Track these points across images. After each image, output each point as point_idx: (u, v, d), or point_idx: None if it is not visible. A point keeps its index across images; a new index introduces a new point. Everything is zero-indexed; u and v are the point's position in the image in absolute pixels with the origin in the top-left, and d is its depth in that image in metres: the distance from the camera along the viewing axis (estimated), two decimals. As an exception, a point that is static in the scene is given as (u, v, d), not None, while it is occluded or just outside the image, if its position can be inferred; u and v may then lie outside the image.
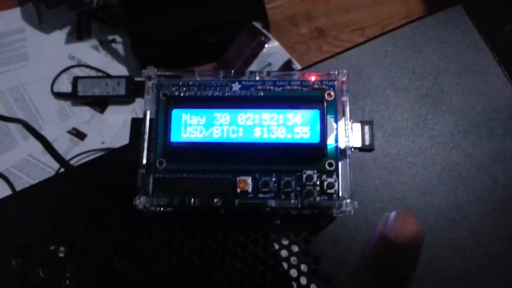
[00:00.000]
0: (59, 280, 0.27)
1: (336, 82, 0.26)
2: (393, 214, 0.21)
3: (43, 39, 0.69)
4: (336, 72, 0.26)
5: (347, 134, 0.26)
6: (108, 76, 0.67)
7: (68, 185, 0.28)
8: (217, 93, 0.26)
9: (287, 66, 0.65)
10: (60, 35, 0.68)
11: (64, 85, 0.67)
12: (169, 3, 0.63)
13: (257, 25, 0.64)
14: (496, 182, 0.28)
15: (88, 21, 0.68)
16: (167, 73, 0.27)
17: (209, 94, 0.26)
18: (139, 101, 0.67)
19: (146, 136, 0.26)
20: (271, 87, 0.26)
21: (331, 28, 0.67)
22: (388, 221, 0.21)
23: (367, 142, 0.26)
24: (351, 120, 0.26)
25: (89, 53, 0.68)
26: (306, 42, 0.67)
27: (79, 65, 0.68)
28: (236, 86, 0.26)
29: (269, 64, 0.64)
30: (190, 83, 0.26)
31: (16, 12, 0.68)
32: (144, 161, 0.26)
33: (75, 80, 0.65)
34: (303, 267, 0.28)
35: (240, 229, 0.28)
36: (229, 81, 0.26)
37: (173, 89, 0.26)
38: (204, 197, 0.25)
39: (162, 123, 0.25)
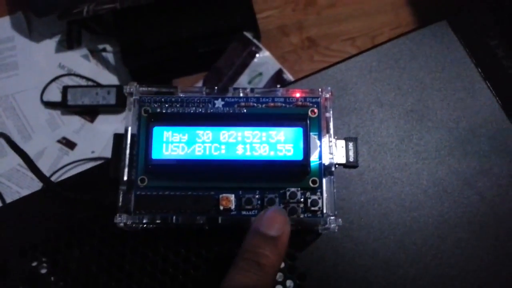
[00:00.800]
0: (40, 298, 0.27)
1: (319, 99, 0.26)
2: (267, 210, 0.24)
3: (33, 48, 0.68)
4: (319, 89, 0.26)
5: (331, 150, 0.26)
6: (98, 85, 0.67)
7: (48, 202, 0.28)
8: (200, 110, 0.26)
9: (278, 75, 0.65)
10: (50, 44, 0.68)
11: (54, 94, 0.66)
12: (159, 13, 0.63)
13: (248, 35, 0.64)
14: (482, 197, 0.28)
15: (78, 30, 0.68)
16: (149, 89, 0.26)
17: (192, 111, 0.26)
18: (129, 110, 0.66)
19: (128, 152, 0.25)
20: (255, 104, 0.26)
21: (322, 38, 0.68)
22: (262, 216, 0.23)
23: (351, 159, 0.26)
24: (336, 137, 0.26)
25: (79, 62, 0.68)
26: (297, 52, 0.67)
27: (69, 74, 0.67)
28: (219, 103, 0.26)
29: (260, 74, 0.64)
30: (173, 99, 0.26)
31: (5, 20, 0.68)
32: (125, 178, 0.25)
33: (65, 89, 0.65)
34: (289, 283, 0.28)
35: (224, 245, 0.28)
36: (212, 97, 0.26)
37: (155, 105, 0.26)
38: (187, 214, 0.25)
39: (143, 140, 0.25)
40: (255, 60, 0.65)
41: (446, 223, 0.28)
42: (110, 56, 0.68)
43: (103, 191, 0.27)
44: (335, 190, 0.25)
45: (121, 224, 0.25)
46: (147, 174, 0.25)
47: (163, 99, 0.26)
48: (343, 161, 0.26)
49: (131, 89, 0.26)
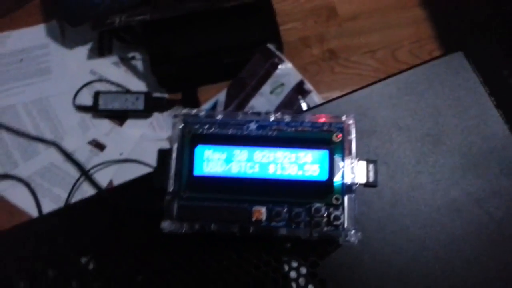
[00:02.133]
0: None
1: (343, 124, 0.29)
2: None
3: (66, 54, 0.73)
4: (344, 116, 0.29)
5: (353, 171, 0.29)
6: (127, 91, 0.71)
7: (99, 207, 0.32)
8: (236, 132, 0.30)
9: (299, 86, 0.68)
10: (82, 51, 0.73)
11: (86, 99, 0.71)
12: (187, 25, 0.67)
13: (271, 46, 0.67)
14: (491, 217, 0.31)
15: (110, 39, 0.72)
16: (192, 112, 0.30)
17: (229, 132, 0.29)
18: (156, 115, 0.70)
19: (173, 167, 0.29)
20: (284, 128, 0.30)
21: (342, 50, 0.70)
22: None
23: (371, 179, 0.29)
24: (357, 158, 0.29)
25: (110, 68, 0.72)
26: (318, 63, 0.70)
27: (100, 80, 0.72)
28: (253, 126, 0.30)
29: (282, 84, 0.67)
30: (212, 121, 0.30)
31: (40, 28, 0.72)
32: (170, 189, 0.29)
33: (96, 95, 0.69)
34: (310, 287, 0.31)
35: (254, 251, 0.32)
36: (246, 120, 0.30)
37: (196, 126, 0.30)
38: (223, 223, 0.29)
39: (187, 157, 0.29)
40: (277, 71, 0.68)
41: (457, 240, 0.31)
42: (139, 64, 0.72)
43: (148, 199, 0.30)
44: (356, 207, 0.29)
45: (166, 230, 0.28)
46: (189, 187, 0.29)
47: (203, 121, 0.30)
48: (364, 181, 0.29)
49: (177, 112, 0.30)
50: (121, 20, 0.65)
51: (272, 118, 0.30)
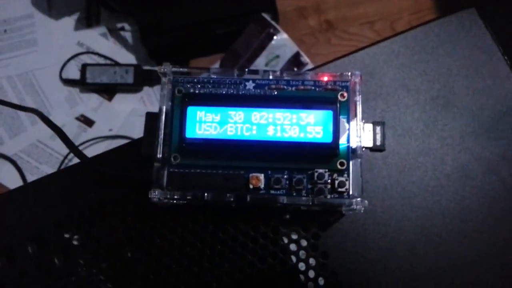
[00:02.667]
0: (74, 267, 0.28)
1: (349, 83, 0.26)
2: None
3: (52, 25, 0.69)
4: (349, 73, 0.26)
5: (359, 134, 0.26)
6: (116, 64, 0.67)
7: (82, 176, 0.29)
8: (231, 91, 0.26)
9: (295, 58, 0.64)
10: (69, 21, 0.68)
11: (73, 72, 0.67)
12: (179, -8, 0.63)
13: (266, 16, 0.64)
14: (504, 183, 0.29)
15: (98, 8, 0.68)
16: (182, 70, 0.27)
17: (224, 92, 0.26)
18: (146, 89, 0.67)
19: (162, 131, 0.26)
20: (285, 87, 0.27)
21: (340, 21, 0.67)
22: None
23: (378, 143, 0.27)
24: (363, 121, 0.27)
25: (98, 40, 0.68)
26: (314, 35, 0.67)
27: (87, 52, 0.68)
28: (250, 85, 0.27)
29: (277, 56, 0.64)
30: (205, 80, 0.27)
31: (25, -3, 0.68)
32: (159, 156, 0.26)
33: (84, 67, 0.66)
34: (312, 261, 0.29)
35: (251, 223, 0.29)
36: (243, 79, 0.27)
37: (188, 85, 0.27)
38: (217, 192, 0.26)
39: (177, 119, 0.26)
40: (273, 42, 0.64)
41: (468, 208, 0.29)
42: (128, 35, 0.68)
43: (135, 167, 0.28)
44: (362, 173, 0.26)
45: (155, 199, 0.26)
46: (180, 152, 0.26)
47: (195, 80, 0.27)
48: (370, 144, 0.27)
49: (165, 69, 0.27)
50: (109, -13, 0.61)
51: (270, 77, 0.27)
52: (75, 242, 0.29)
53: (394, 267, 0.29)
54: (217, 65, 0.65)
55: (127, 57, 0.69)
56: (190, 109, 0.25)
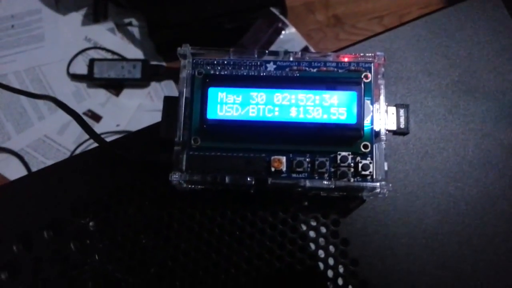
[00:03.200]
0: (90, 253, 0.27)
1: (372, 64, 0.26)
2: None
3: (60, 20, 0.68)
4: (373, 54, 0.26)
5: (382, 116, 0.25)
6: (124, 59, 0.67)
7: (100, 161, 0.28)
8: (252, 73, 0.26)
9: (304, 53, 0.64)
10: (77, 16, 0.68)
11: (80, 67, 0.66)
12: (187, -13, 0.62)
13: (275, 11, 0.63)
14: (527, 170, 0.28)
15: (105, 3, 0.67)
16: (201, 52, 0.26)
17: (245, 73, 0.26)
18: (154, 85, 0.66)
19: (182, 114, 0.25)
20: (307, 68, 0.26)
21: (348, 16, 0.67)
22: None
23: (402, 126, 0.26)
24: (386, 103, 0.26)
25: (105, 35, 0.68)
26: (323, 30, 0.66)
27: (95, 47, 0.67)
28: (271, 66, 0.26)
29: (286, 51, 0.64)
30: (225, 61, 0.26)
31: (33, -8, 0.67)
32: (179, 139, 0.25)
33: (91, 62, 0.65)
34: (331, 248, 0.28)
35: (269, 209, 0.28)
36: (263, 61, 0.26)
37: (208, 67, 0.26)
38: (238, 175, 0.25)
39: (198, 101, 0.25)
40: (281, 37, 0.64)
41: (490, 194, 0.28)
42: (135, 30, 0.68)
43: (155, 151, 0.27)
44: (385, 156, 0.25)
45: (175, 182, 0.25)
46: (200, 134, 0.25)
47: (215, 62, 0.26)
48: (394, 127, 0.26)
49: (184, 51, 0.26)
50: (117, -19, 0.61)
51: (291, 58, 0.26)
52: (91, 228, 0.29)
53: (416, 255, 0.28)
54: None
55: (134, 52, 0.68)
56: (211, 90, 0.25)
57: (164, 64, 0.69)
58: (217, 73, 0.26)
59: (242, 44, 0.64)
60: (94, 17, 0.69)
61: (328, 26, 0.67)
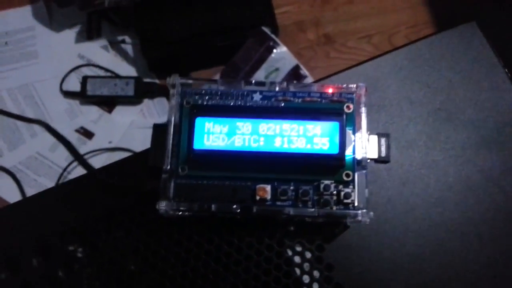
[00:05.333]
0: (78, 279, 0.28)
1: (354, 94, 0.27)
2: None
3: (53, 37, 0.69)
4: (354, 85, 0.27)
5: (364, 145, 0.26)
6: (117, 76, 0.67)
7: (88, 188, 0.29)
8: (239, 102, 0.27)
9: (295, 71, 0.65)
10: (70, 34, 0.69)
11: (73, 84, 0.67)
12: (179, 6, 0.64)
13: (266, 30, 0.65)
14: (506, 195, 0.29)
15: (98, 21, 0.68)
16: (190, 82, 0.27)
17: (231, 103, 0.27)
18: (146, 102, 0.67)
19: (170, 142, 0.26)
20: (291, 98, 0.27)
21: (338, 35, 0.68)
22: None
23: (383, 154, 0.27)
24: (368, 132, 0.27)
25: (99, 53, 0.68)
26: (313, 48, 0.68)
27: (88, 65, 0.68)
28: (257, 96, 0.27)
29: (277, 69, 0.65)
30: (212, 92, 0.27)
31: (27, 10, 0.68)
32: (167, 167, 0.26)
33: (85, 80, 0.66)
34: (316, 273, 0.29)
35: (255, 235, 0.29)
36: (250, 91, 0.27)
37: (196, 97, 0.27)
38: (224, 203, 0.26)
39: (185, 130, 0.26)
40: (272, 55, 0.65)
41: (470, 219, 0.29)
42: (129, 48, 0.69)
43: (142, 179, 0.28)
44: (367, 185, 0.26)
45: (162, 211, 0.26)
46: (188, 163, 0.26)
47: (203, 91, 0.27)
48: (376, 156, 0.27)
49: (173, 81, 0.27)
50: (111, 0, 0.62)
51: (277, 89, 0.27)
52: (79, 255, 0.29)
53: (398, 278, 0.29)
54: (217, 77, 0.65)
55: (127, 70, 0.69)
56: (199, 120, 0.26)
57: (157, 81, 0.69)
58: (205, 103, 0.27)
59: (235, 62, 0.65)
60: (88, 34, 0.70)
61: (318, 44, 0.68)
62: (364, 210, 0.26)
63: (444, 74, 0.30)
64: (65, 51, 0.69)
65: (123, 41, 0.68)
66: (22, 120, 0.65)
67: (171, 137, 0.26)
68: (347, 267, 0.29)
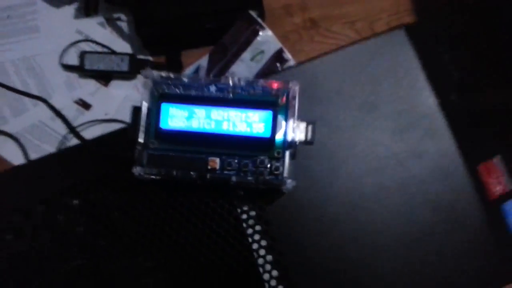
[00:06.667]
0: (75, 225, 0.40)
1: (288, 90, 0.37)
2: None
3: (53, 12, 0.79)
4: (289, 82, 0.37)
5: (294, 131, 0.37)
6: (112, 52, 0.78)
7: (81, 155, 0.41)
8: (198, 93, 0.38)
9: (278, 54, 0.75)
10: (69, 10, 0.79)
11: (72, 58, 0.78)
12: (172, -12, 0.73)
13: (253, 13, 0.74)
14: (410, 173, 0.40)
15: (96, -1, 0.78)
16: (162, 74, 0.38)
17: (192, 94, 0.38)
18: (140, 77, 0.78)
19: (143, 122, 0.38)
20: (239, 91, 0.38)
21: (323, 19, 0.77)
22: None
23: (309, 138, 0.38)
24: (298, 120, 0.38)
25: (96, 29, 0.79)
26: (299, 32, 0.77)
27: (86, 40, 0.79)
28: (212, 88, 0.38)
29: (262, 52, 0.74)
30: (177, 83, 0.38)
31: (29, -14, 0.78)
32: (141, 141, 0.38)
33: (82, 55, 0.76)
34: (258, 227, 0.40)
35: (211, 197, 0.40)
36: (208, 83, 0.38)
37: (164, 86, 0.38)
38: (184, 171, 0.38)
39: (154, 113, 0.37)
40: (258, 38, 0.74)
41: (384, 188, 0.40)
42: (124, 25, 0.79)
43: (124, 149, 0.39)
44: (292, 160, 0.37)
45: (136, 174, 0.37)
46: (156, 138, 0.37)
47: (170, 82, 0.38)
48: (303, 139, 0.38)
49: (147, 74, 0.38)
50: (107, -19, 0.71)
51: (230, 83, 0.38)
52: (75, 206, 0.41)
53: (322, 235, 0.40)
54: (206, 57, 0.75)
55: (123, 46, 0.79)
56: (164, 106, 0.37)
57: (150, 58, 0.80)
58: (171, 92, 0.38)
59: (223, 43, 0.75)
60: (86, 11, 0.80)
61: (304, 28, 0.77)
62: (289, 180, 0.37)
63: (371, 73, 0.41)
64: (64, 26, 0.79)
65: (119, 19, 0.78)
66: (25, 95, 0.76)
67: (145, 117, 0.37)
68: (280, 224, 0.40)
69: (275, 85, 0.38)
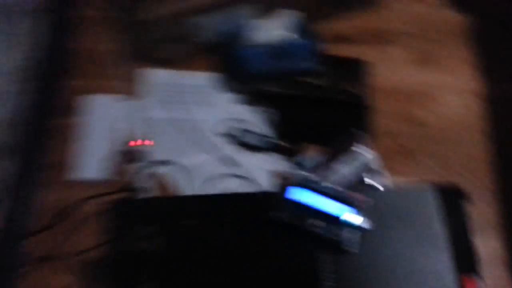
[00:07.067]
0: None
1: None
2: None
3: (222, 97, 1.16)
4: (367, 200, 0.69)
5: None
6: (264, 136, 1.13)
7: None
8: (317, 187, 0.71)
9: (371, 167, 1.02)
10: (234, 98, 1.16)
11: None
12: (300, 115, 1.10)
13: (359, 133, 1.04)
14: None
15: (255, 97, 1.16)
16: (300, 172, 0.73)
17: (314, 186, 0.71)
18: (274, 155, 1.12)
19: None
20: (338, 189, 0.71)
21: (414, 148, 1.06)
22: None
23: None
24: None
25: (250, 115, 1.16)
26: (391, 155, 1.06)
27: (240, 120, 1.16)
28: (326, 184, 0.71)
29: (360, 162, 1.04)
30: (307, 177, 0.72)
31: (207, 75, 1.15)
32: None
33: (242, 131, 1.12)
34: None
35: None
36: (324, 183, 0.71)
37: (299, 177, 0.72)
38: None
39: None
40: (359, 151, 1.04)
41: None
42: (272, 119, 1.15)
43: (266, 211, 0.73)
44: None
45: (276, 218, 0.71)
46: (281, 206, 0.72)
47: (304, 175, 0.72)
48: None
49: (299, 160, 0.73)
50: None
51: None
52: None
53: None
54: (317, 154, 1.06)
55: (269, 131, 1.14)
56: (291, 189, 0.71)
57: (281, 143, 1.13)
58: (301, 182, 0.72)
59: (334, 149, 1.06)
60: (248, 102, 1.17)
61: (398, 153, 1.06)
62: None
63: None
64: (226, 106, 1.16)
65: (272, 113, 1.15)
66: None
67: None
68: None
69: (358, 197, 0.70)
